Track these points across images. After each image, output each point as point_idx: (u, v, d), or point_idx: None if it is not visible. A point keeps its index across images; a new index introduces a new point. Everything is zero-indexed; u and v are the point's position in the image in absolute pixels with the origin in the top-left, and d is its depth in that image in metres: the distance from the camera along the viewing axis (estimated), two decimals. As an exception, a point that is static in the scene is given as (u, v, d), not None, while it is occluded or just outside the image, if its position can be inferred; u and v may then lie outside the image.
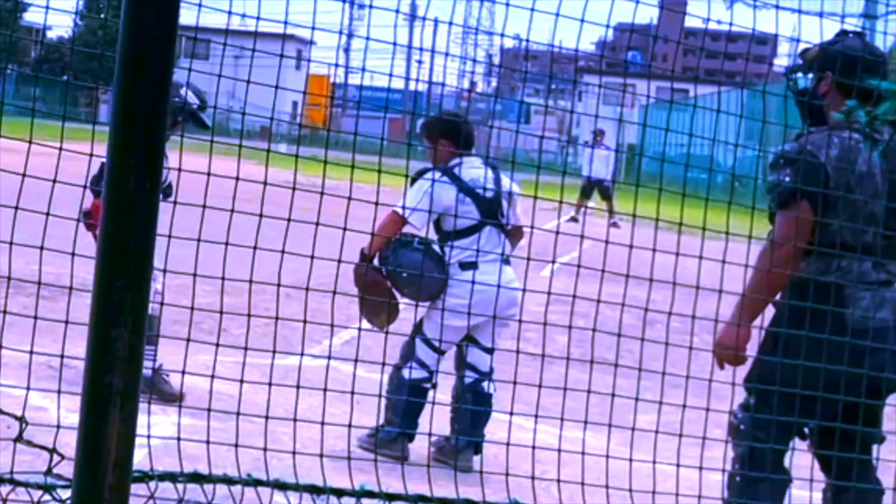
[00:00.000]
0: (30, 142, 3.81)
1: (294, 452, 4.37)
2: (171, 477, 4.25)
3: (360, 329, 5.44)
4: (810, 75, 4.72)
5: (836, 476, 4.71)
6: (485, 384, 6.66)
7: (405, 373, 6.61)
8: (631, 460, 4.65)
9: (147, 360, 6.84)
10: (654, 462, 4.84)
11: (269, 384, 4.31)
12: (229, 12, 4.41)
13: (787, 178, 4.51)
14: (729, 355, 4.66)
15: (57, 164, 3.69)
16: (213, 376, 4.27)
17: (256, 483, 4.35)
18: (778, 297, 4.68)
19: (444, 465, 6.20)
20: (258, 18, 4.21)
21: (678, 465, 4.92)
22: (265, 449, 4.38)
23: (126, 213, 2.24)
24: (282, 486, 4.39)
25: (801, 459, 4.96)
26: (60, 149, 3.71)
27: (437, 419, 4.99)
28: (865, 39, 4.75)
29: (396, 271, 6.42)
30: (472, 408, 6.55)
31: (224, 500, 4.32)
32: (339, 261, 4.44)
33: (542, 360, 4.57)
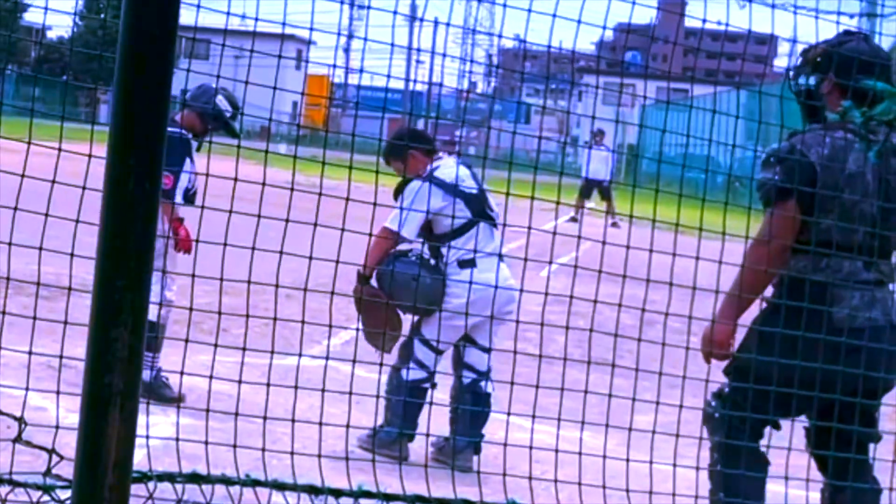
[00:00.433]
0: (29, 142, 3.82)
1: (293, 453, 4.38)
2: (171, 477, 4.26)
3: (358, 329, 5.45)
4: (811, 75, 4.73)
5: (831, 475, 4.73)
6: (483, 384, 6.66)
7: (404, 373, 6.61)
8: (629, 460, 4.65)
9: (146, 365, 6.84)
10: (652, 462, 4.84)
11: (269, 384, 4.32)
12: (229, 13, 4.42)
13: (776, 177, 4.53)
14: (715, 352, 4.68)
15: (56, 165, 3.69)
16: (212, 377, 4.27)
17: (255, 483, 4.35)
18: (768, 292, 4.69)
19: (444, 466, 6.20)
20: (258, 19, 4.22)
21: (675, 466, 4.92)
22: (264, 449, 4.38)
23: (126, 213, 2.25)
24: (280, 487, 4.40)
25: (799, 459, 4.96)
26: (60, 149, 3.71)
27: (436, 419, 4.99)
28: (871, 42, 4.77)
29: (393, 287, 6.42)
30: (471, 408, 6.55)
31: (223, 501, 4.33)
32: (338, 261, 4.45)
33: (540, 361, 4.58)
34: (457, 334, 6.58)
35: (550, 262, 4.78)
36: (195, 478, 4.28)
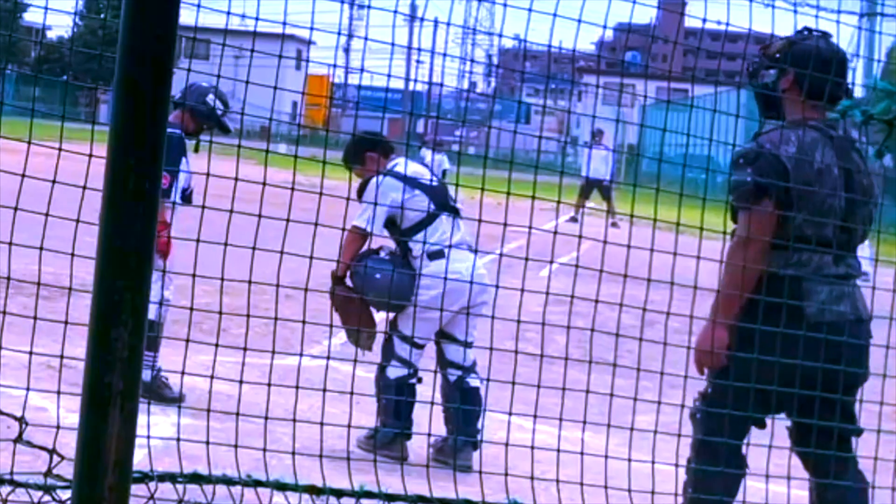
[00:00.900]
0: (29, 142, 3.82)
1: (294, 453, 4.37)
2: (171, 477, 4.25)
3: (358, 330, 5.45)
4: (770, 71, 4.78)
5: (815, 472, 4.75)
6: (469, 378, 6.68)
7: (389, 372, 6.63)
8: (630, 460, 4.65)
9: (146, 365, 6.84)
10: (654, 462, 4.84)
11: (269, 384, 4.31)
12: (229, 13, 4.41)
13: (749, 178, 4.57)
14: (708, 359, 4.69)
15: (56, 165, 3.69)
16: (212, 377, 4.27)
17: (256, 484, 4.35)
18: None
19: (445, 466, 6.20)
20: (258, 19, 4.21)
21: (677, 466, 4.92)
22: (265, 449, 4.38)
23: (126, 213, 2.24)
24: (281, 487, 4.40)
25: (797, 459, 4.96)
26: (60, 149, 3.71)
27: (436, 420, 4.99)
28: (830, 39, 4.80)
29: (365, 286, 6.46)
30: (463, 407, 6.55)
31: (224, 501, 4.33)
32: (338, 261, 4.44)
33: (541, 361, 4.57)
34: (433, 326, 6.59)
35: (551, 262, 4.77)
36: (196, 478, 4.28)
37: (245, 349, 4.24)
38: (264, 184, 4.09)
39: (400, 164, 6.75)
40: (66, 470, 3.53)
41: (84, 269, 3.31)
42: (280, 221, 4.05)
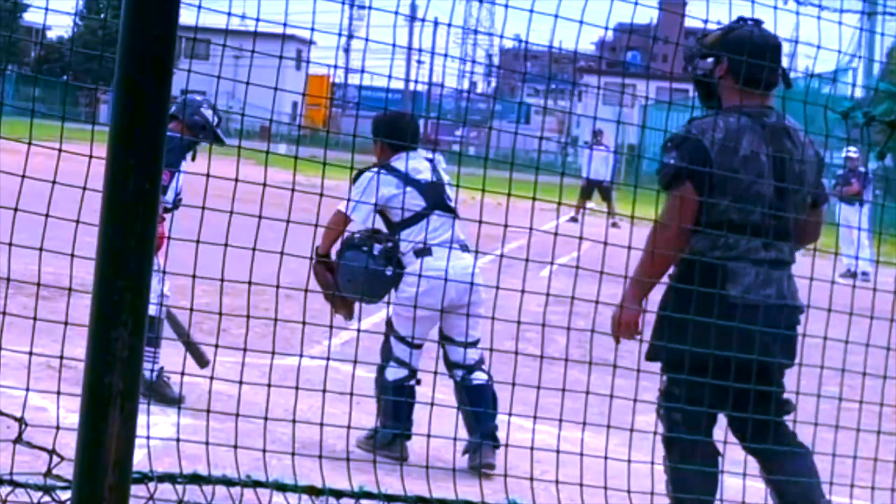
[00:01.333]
0: (29, 142, 3.81)
1: (293, 453, 4.37)
2: (171, 478, 4.25)
3: (358, 330, 5.45)
4: (706, 59, 4.86)
5: (754, 450, 4.80)
6: (472, 377, 6.65)
7: (388, 373, 6.62)
8: (630, 461, 4.65)
9: (147, 362, 6.83)
10: (653, 462, 4.84)
11: (269, 385, 4.31)
12: (229, 13, 4.41)
13: (672, 161, 4.65)
14: (624, 332, 4.78)
15: (56, 165, 3.69)
16: (212, 377, 4.27)
17: (256, 484, 4.35)
18: (671, 272, 4.79)
19: (446, 467, 6.18)
20: (258, 19, 4.21)
21: (677, 466, 4.92)
22: (264, 450, 4.38)
23: (126, 213, 2.24)
24: (281, 487, 4.39)
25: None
26: (60, 150, 3.71)
27: (436, 420, 4.99)
28: (762, 27, 4.87)
29: (341, 272, 6.45)
30: (469, 404, 6.53)
31: (224, 501, 4.32)
32: (338, 262, 4.44)
33: (541, 361, 4.57)
34: (427, 325, 6.57)
35: (551, 263, 4.77)
36: (196, 478, 4.28)
37: (245, 349, 4.24)
38: (264, 184, 4.09)
39: (402, 159, 6.73)
40: (66, 470, 3.53)
41: (84, 269, 3.30)
42: (280, 222, 4.05)
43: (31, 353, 4.10)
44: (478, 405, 6.54)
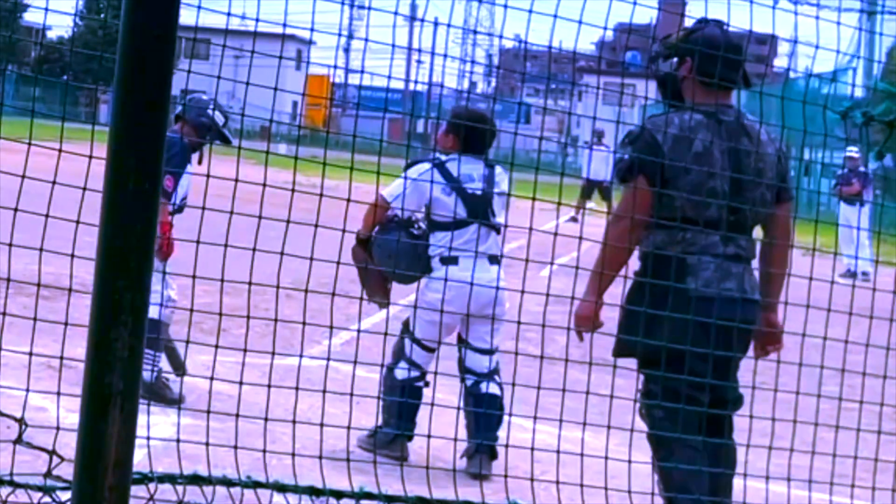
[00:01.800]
0: (29, 143, 3.81)
1: (293, 454, 4.37)
2: (171, 478, 4.25)
3: (359, 330, 5.45)
4: (669, 59, 4.99)
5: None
6: (483, 385, 6.63)
7: (397, 373, 6.60)
8: (630, 461, 4.65)
9: (146, 364, 6.83)
10: (653, 462, 4.84)
11: (269, 385, 4.31)
12: (229, 13, 4.41)
13: (626, 156, 4.82)
14: (585, 327, 4.88)
15: (57, 165, 3.69)
16: (212, 377, 4.27)
17: (256, 485, 4.35)
18: (637, 268, 4.90)
19: (447, 467, 6.18)
20: (258, 19, 4.21)
21: (677, 466, 4.92)
22: (264, 450, 4.38)
23: (126, 213, 2.24)
24: (281, 488, 4.39)
25: (801, 460, 4.96)
26: (60, 150, 3.71)
27: (437, 420, 4.99)
28: (724, 28, 4.98)
29: (377, 249, 6.49)
30: (477, 412, 6.52)
31: (224, 501, 4.32)
32: (339, 262, 4.44)
33: (541, 361, 4.57)
34: (444, 331, 6.56)
35: (551, 263, 4.78)
36: (196, 479, 4.28)
37: (245, 349, 4.24)
38: (264, 185, 4.09)
39: (463, 160, 6.65)
40: (66, 470, 3.53)
41: (84, 269, 3.30)
42: (280, 222, 4.05)
43: (31, 353, 4.10)
44: (484, 414, 6.52)
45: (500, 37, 5.51)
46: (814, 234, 5.32)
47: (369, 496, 4.45)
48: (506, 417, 5.93)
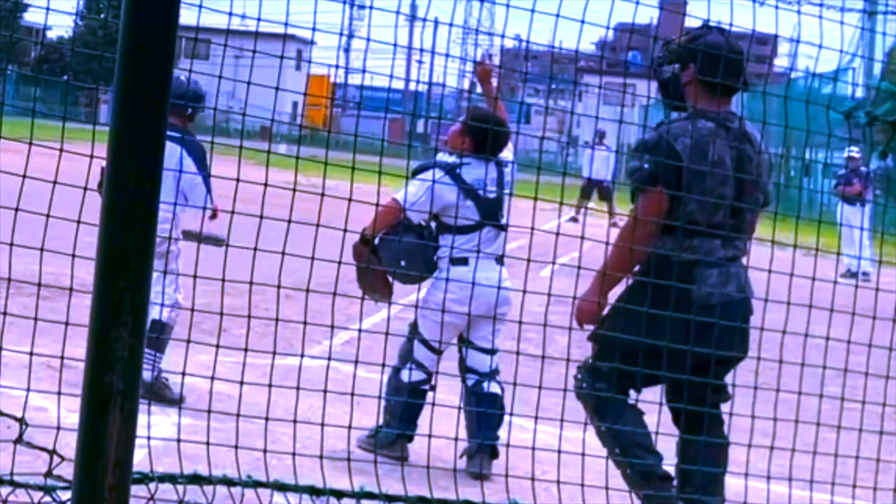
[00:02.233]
0: (30, 143, 3.81)
1: (294, 453, 4.37)
2: (171, 478, 4.25)
3: (360, 330, 5.44)
4: (673, 65, 5.06)
5: (682, 429, 4.97)
6: (485, 384, 6.62)
7: (403, 375, 6.59)
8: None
9: (146, 364, 6.83)
10: (652, 462, 4.84)
11: (269, 385, 4.31)
12: (230, 13, 4.41)
13: (645, 165, 4.87)
14: (585, 320, 4.98)
15: (57, 165, 3.69)
16: (212, 377, 4.27)
17: (256, 484, 4.34)
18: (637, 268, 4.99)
19: (447, 467, 6.18)
20: (258, 19, 4.21)
21: (676, 466, 4.92)
22: (265, 450, 4.37)
23: (126, 213, 2.24)
24: (281, 487, 4.39)
25: (803, 460, 4.96)
26: (61, 150, 3.71)
27: (437, 420, 4.98)
28: (726, 34, 5.04)
29: (385, 249, 6.48)
30: (477, 411, 6.51)
31: (224, 501, 4.32)
32: (340, 262, 4.44)
33: (542, 361, 4.57)
34: (452, 332, 6.55)
35: (552, 263, 4.77)
36: (196, 478, 4.27)
37: (245, 349, 4.23)
38: (265, 185, 4.08)
39: (472, 163, 6.64)
40: (67, 470, 3.53)
41: (84, 269, 3.30)
42: (281, 222, 4.05)
43: (31, 353, 4.10)
44: (485, 414, 6.51)
45: (501, 36, 5.52)
46: (817, 234, 5.31)
47: (370, 496, 4.44)
48: (506, 417, 5.92)
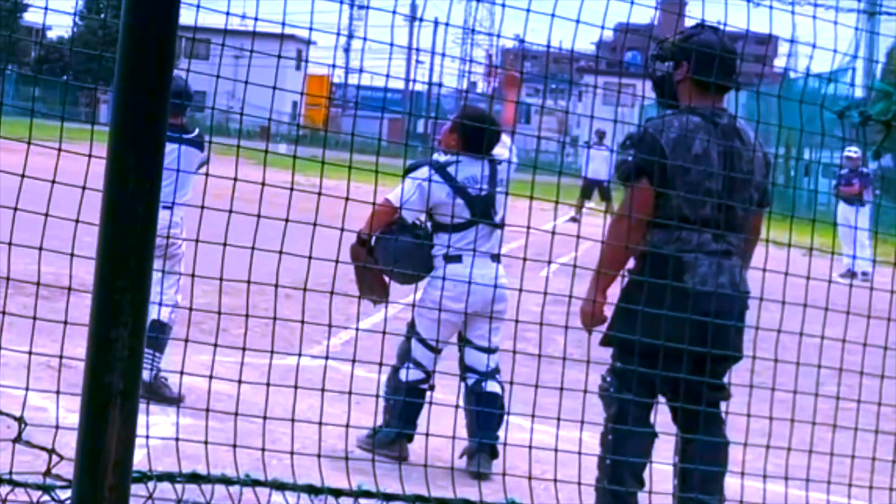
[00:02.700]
0: (29, 142, 3.82)
1: (293, 453, 4.38)
2: (171, 477, 4.26)
3: (358, 329, 5.46)
4: (666, 63, 5.10)
5: (682, 427, 4.99)
6: (484, 383, 6.63)
7: (402, 374, 6.60)
8: (630, 461, 4.66)
9: (145, 363, 6.83)
10: (652, 462, 4.85)
11: (268, 384, 4.32)
12: (229, 13, 4.42)
13: (630, 158, 4.95)
14: (592, 322, 5.00)
15: (56, 165, 3.70)
16: (211, 377, 4.27)
17: (255, 483, 4.35)
18: (630, 265, 5.03)
19: (445, 466, 6.19)
20: (257, 19, 4.22)
21: (676, 466, 4.93)
22: (263, 449, 4.38)
23: (126, 213, 2.25)
24: (280, 487, 4.40)
25: (799, 460, 4.97)
26: (60, 149, 3.72)
27: (436, 420, 5.00)
28: (719, 33, 5.09)
29: (381, 249, 6.49)
30: (477, 410, 6.51)
31: (223, 500, 4.33)
32: (338, 261, 4.45)
33: (539, 361, 4.58)
34: (449, 329, 6.56)
35: (550, 262, 4.79)
36: (195, 478, 4.28)
37: (245, 349, 4.24)
38: (263, 184, 4.09)
39: (464, 161, 6.63)
40: (66, 470, 3.54)
41: (84, 269, 3.31)
42: (279, 222, 4.06)
43: (31, 353, 4.11)
44: (485, 413, 6.51)
45: (500, 36, 5.52)
46: (811, 234, 5.32)
47: (368, 495, 4.45)
48: (505, 417, 5.93)
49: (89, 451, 2.26)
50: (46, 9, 4.66)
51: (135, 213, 2.24)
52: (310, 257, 4.16)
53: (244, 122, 4.86)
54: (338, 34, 5.30)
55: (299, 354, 4.82)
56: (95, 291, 2.26)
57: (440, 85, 6.42)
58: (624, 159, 4.99)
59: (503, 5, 4.70)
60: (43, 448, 3.87)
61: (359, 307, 6.13)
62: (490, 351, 6.59)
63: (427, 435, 4.79)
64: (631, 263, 5.01)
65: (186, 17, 3.05)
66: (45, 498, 4.05)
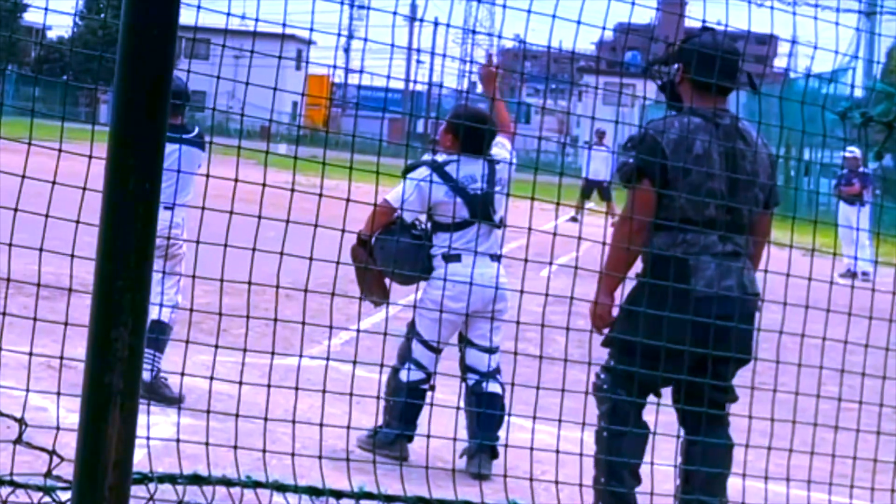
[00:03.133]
0: (29, 142, 3.82)
1: (293, 454, 4.37)
2: (171, 478, 4.25)
3: (358, 330, 5.45)
4: (668, 65, 5.17)
5: (688, 429, 5.02)
6: (484, 384, 6.63)
7: (402, 375, 6.59)
8: (629, 461, 4.65)
9: (146, 363, 6.83)
10: (653, 463, 4.85)
11: (269, 385, 4.31)
12: (229, 13, 4.41)
13: (631, 160, 4.97)
14: (599, 323, 5.06)
15: (56, 165, 3.69)
16: (212, 377, 4.27)
17: (256, 484, 4.35)
18: (638, 267, 5.06)
19: (446, 467, 6.18)
20: (258, 19, 4.21)
21: (676, 466, 4.93)
22: (264, 450, 4.38)
23: (126, 213, 2.24)
24: (281, 488, 4.40)
25: (801, 460, 4.97)
26: (60, 149, 3.71)
27: (437, 420, 4.99)
28: (719, 34, 5.12)
29: (380, 250, 6.49)
30: (476, 409, 6.51)
31: (223, 501, 4.33)
32: (338, 262, 4.44)
33: (540, 361, 4.58)
34: (449, 329, 6.55)
35: (551, 263, 4.78)
36: (196, 479, 4.28)
37: (245, 349, 4.24)
38: (264, 184, 4.09)
39: (463, 161, 6.63)
40: (66, 470, 3.53)
41: (84, 269, 3.31)
42: (280, 222, 4.06)
43: (31, 353, 4.11)
44: (486, 413, 6.51)
45: (500, 36, 5.53)
46: (812, 234, 5.31)
47: (369, 496, 4.45)
48: (506, 417, 5.92)
49: (89, 451, 2.26)
50: (46, 9, 4.66)
51: (135, 213, 2.24)
52: (310, 258, 4.15)
53: (244, 122, 4.86)
54: (338, 34, 5.30)
55: (300, 355, 4.81)
56: (95, 291, 2.26)
57: (440, 85, 6.40)
58: (625, 161, 5.01)
59: (503, 6, 4.70)
60: (43, 449, 3.87)
61: (359, 307, 6.13)
62: (491, 351, 6.58)
63: (428, 435, 4.78)
64: (639, 265, 5.02)
65: (186, 17, 3.04)
66: (46, 499, 4.04)
